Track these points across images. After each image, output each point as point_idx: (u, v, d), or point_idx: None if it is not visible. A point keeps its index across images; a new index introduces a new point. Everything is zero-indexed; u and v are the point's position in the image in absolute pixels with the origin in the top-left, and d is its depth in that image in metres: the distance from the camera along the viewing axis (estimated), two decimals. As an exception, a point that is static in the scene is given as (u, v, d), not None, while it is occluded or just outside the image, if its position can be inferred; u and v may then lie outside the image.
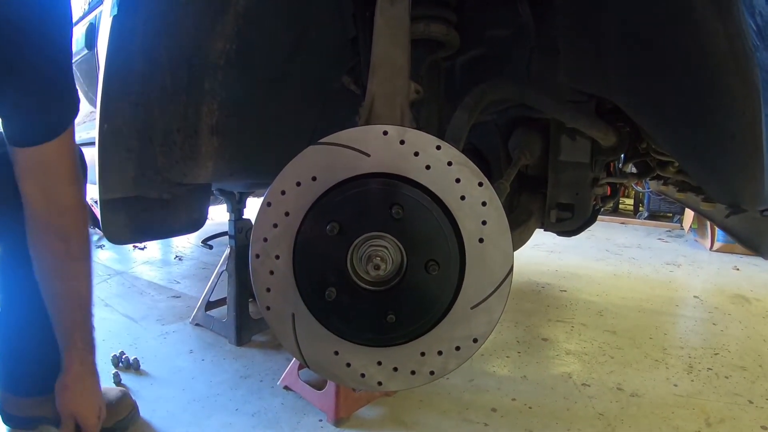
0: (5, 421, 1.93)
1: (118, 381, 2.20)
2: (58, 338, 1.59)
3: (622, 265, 4.58)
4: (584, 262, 4.64)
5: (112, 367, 2.31)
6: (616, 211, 7.96)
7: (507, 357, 2.54)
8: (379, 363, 1.32)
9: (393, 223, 1.28)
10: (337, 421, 1.89)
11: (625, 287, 3.90)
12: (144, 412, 1.96)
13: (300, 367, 2.07)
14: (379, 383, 1.33)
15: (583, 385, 2.27)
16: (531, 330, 2.93)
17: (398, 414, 1.97)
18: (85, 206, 1.62)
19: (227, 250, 2.61)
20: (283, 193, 1.31)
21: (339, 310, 1.31)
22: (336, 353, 1.33)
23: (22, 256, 1.58)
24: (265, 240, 1.32)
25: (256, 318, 2.63)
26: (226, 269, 2.59)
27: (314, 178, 1.30)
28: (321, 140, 1.31)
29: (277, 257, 1.32)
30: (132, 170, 1.83)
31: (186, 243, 4.64)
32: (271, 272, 1.33)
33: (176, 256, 4.17)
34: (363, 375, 1.33)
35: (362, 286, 1.30)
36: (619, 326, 3.03)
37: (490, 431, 1.90)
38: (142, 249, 4.54)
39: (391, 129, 1.29)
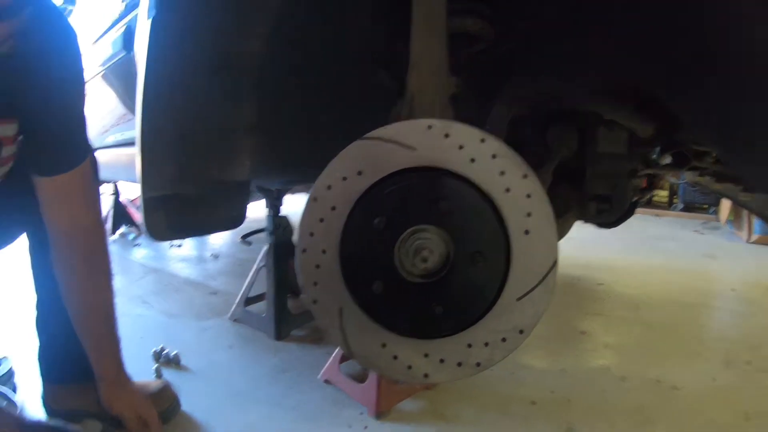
0: (49, 416, 1.96)
1: (159, 375, 2.23)
2: (88, 351, 1.63)
3: (657, 258, 4.55)
4: (619, 254, 4.61)
5: (153, 362, 2.34)
6: (650, 203, 7.82)
7: (545, 350, 2.54)
8: (426, 355, 1.32)
9: (439, 216, 1.28)
10: (378, 414, 1.90)
11: (661, 280, 3.87)
12: (185, 405, 1.98)
13: (341, 361, 2.08)
14: (426, 375, 1.34)
15: (621, 378, 2.26)
16: (568, 323, 2.92)
17: (438, 407, 1.98)
18: (103, 227, 1.68)
19: (266, 247, 2.63)
20: (329, 188, 1.32)
21: (386, 302, 1.32)
22: (383, 345, 1.34)
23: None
24: (312, 234, 1.33)
25: (295, 313, 2.66)
26: (264, 265, 2.61)
27: (360, 173, 1.30)
28: (366, 135, 1.32)
29: (324, 251, 1.33)
30: (172, 169, 1.85)
31: (221, 241, 4.67)
32: (318, 266, 1.34)
33: (212, 254, 4.20)
34: (410, 367, 1.33)
35: (409, 279, 1.31)
36: (656, 319, 3.00)
37: (529, 424, 1.89)
38: (179, 247, 4.58)
39: (435, 123, 1.30)
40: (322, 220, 1.33)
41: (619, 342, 2.67)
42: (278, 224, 2.57)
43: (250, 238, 2.96)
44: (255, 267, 2.70)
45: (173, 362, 2.35)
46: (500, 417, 1.93)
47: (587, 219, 2.17)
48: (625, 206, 2.11)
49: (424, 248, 1.27)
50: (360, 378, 2.04)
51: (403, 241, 1.30)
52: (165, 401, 1.90)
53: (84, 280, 1.56)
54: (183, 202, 1.98)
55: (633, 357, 2.49)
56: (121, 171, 2.83)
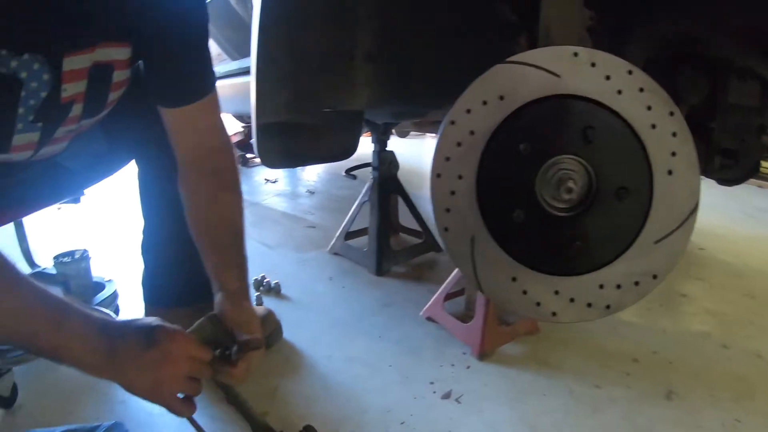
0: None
1: (260, 303, 2.24)
2: (211, 264, 1.56)
3: (760, 229, 4.36)
4: (721, 221, 4.42)
5: (254, 290, 2.37)
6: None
7: (647, 309, 2.46)
8: (556, 292, 1.28)
9: (585, 147, 1.23)
10: (481, 355, 1.87)
11: (765, 251, 3.71)
12: (287, 333, 2.00)
13: (446, 299, 2.05)
14: (554, 314, 1.30)
15: (722, 346, 2.17)
16: (669, 284, 2.82)
17: (541, 354, 1.93)
18: (232, 147, 1.57)
19: (370, 182, 2.61)
20: (468, 111, 1.28)
21: (523, 234, 1.28)
22: (513, 279, 1.30)
23: (160, 171, 1.61)
24: (448, 159, 1.30)
25: (396, 249, 2.64)
26: (368, 200, 2.58)
27: (502, 98, 1.26)
28: (509, 59, 1.27)
29: (460, 177, 1.29)
30: (287, 95, 1.84)
31: (315, 177, 4.66)
32: (452, 192, 1.30)
33: (307, 190, 4.20)
34: (538, 304, 1.30)
35: (548, 211, 1.27)
36: (758, 291, 2.87)
37: (632, 381, 1.84)
38: (273, 182, 4.59)
39: (581, 50, 1.25)
40: (459, 145, 1.29)
41: (720, 309, 2.56)
42: (384, 159, 2.54)
43: (354, 172, 2.95)
44: (358, 201, 2.68)
45: (274, 291, 2.38)
46: (602, 370, 1.88)
47: (709, 174, 2.08)
48: (752, 163, 2.01)
49: (569, 179, 1.22)
50: (463, 318, 2.01)
51: (545, 170, 1.26)
52: (268, 327, 1.92)
53: (212, 196, 1.48)
54: (297, 129, 1.97)
55: (734, 326, 2.38)
56: (227, 102, 2.84)
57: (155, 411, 1.67)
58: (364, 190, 2.64)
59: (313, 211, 3.66)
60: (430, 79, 1.96)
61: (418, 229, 2.78)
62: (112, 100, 1.37)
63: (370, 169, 2.62)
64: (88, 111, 1.31)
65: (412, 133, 5.42)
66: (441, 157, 1.29)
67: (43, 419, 1.62)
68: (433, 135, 6.05)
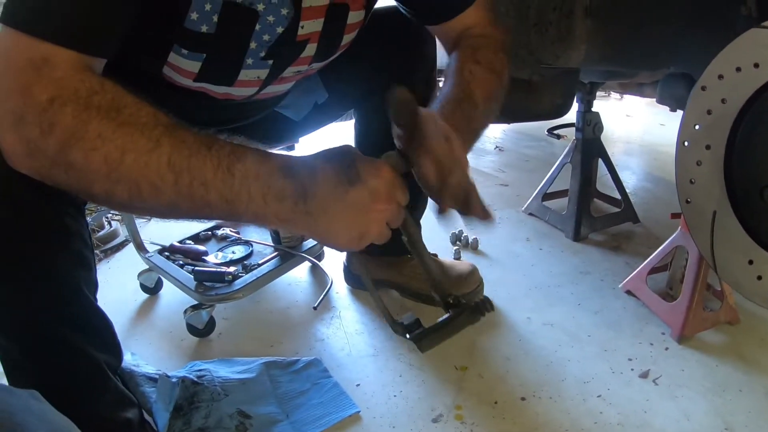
0: (347, 280, 2.03)
1: (458, 257, 2.28)
2: None
3: None
4: None
5: (451, 244, 2.40)
6: None
7: None
8: (792, 284, 1.19)
9: None
10: (681, 338, 1.78)
11: None
12: (486, 290, 2.00)
13: (650, 273, 1.96)
14: (784, 305, 1.21)
15: None
16: None
17: (739, 347, 1.79)
18: (502, 37, 1.36)
19: (572, 143, 2.52)
20: (720, 77, 1.19)
21: (769, 215, 1.19)
22: (750, 262, 1.22)
23: (381, 122, 1.62)
24: (696, 127, 1.22)
25: (596, 216, 2.55)
26: (570, 162, 2.50)
27: (756, 65, 1.16)
28: (764, 24, 1.17)
29: (708, 147, 1.22)
30: (507, 49, 1.81)
31: (501, 134, 4.55)
32: (698, 163, 1.23)
33: (496, 147, 4.13)
34: (771, 292, 1.21)
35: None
36: None
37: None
38: (459, 137, 4.52)
39: None
40: (709, 113, 1.21)
41: None
42: (589, 120, 2.43)
43: (557, 132, 2.85)
44: (558, 162, 2.60)
45: (471, 246, 2.38)
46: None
47: None
48: None
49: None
50: (663, 296, 1.92)
51: (803, 149, 1.15)
52: (472, 284, 1.94)
53: (459, 65, 1.26)
54: (515, 85, 1.93)
55: None
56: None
57: (353, 352, 1.72)
58: (565, 151, 2.55)
59: (504, 168, 3.58)
60: (646, 39, 1.86)
61: (615, 196, 2.66)
62: (344, 44, 1.34)
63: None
64: (320, 52, 1.29)
65: (597, 93, 5.19)
66: (689, 124, 1.22)
67: (242, 350, 1.71)
68: (619, 96, 5.79)
